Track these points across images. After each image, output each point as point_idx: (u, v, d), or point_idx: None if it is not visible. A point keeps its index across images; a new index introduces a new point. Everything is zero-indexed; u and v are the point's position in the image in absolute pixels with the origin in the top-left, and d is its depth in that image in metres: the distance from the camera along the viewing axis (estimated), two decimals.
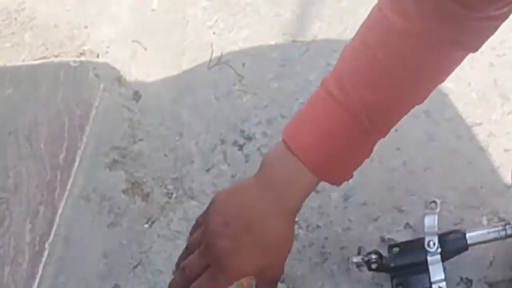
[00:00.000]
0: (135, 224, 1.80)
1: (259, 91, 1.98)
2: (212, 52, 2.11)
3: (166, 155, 1.92)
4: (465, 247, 1.48)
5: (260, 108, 1.96)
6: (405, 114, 1.08)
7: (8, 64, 2.24)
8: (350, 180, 1.73)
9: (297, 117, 1.08)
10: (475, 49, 1.01)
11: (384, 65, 0.97)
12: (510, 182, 1.52)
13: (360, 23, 1.95)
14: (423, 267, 1.50)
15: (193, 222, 1.76)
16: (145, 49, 2.19)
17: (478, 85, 1.83)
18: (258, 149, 1.87)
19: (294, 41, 2.07)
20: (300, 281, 1.63)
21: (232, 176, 1.85)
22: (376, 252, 1.53)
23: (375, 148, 1.79)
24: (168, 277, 1.61)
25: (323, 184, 1.72)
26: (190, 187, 1.84)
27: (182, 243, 1.73)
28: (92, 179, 1.90)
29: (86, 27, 2.30)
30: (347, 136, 1.01)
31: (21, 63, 2.25)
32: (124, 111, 2.04)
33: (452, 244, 1.50)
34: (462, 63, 1.85)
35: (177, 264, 1.30)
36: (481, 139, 1.75)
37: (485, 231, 1.50)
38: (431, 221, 1.50)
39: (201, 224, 1.17)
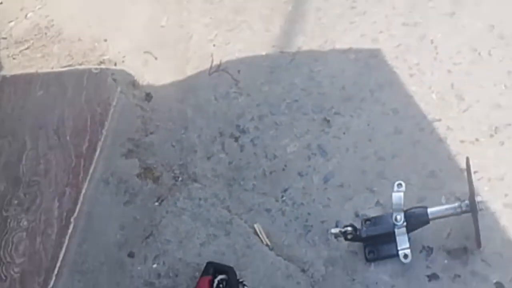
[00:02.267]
0: (147, 202, 1.87)
1: (252, 93, 2.03)
2: (212, 61, 2.16)
3: (173, 146, 1.99)
4: (427, 221, 1.54)
5: (253, 106, 2.01)
6: None
7: (39, 71, 2.31)
8: (330, 165, 1.81)
9: None
10: None
11: None
12: (465, 167, 1.57)
13: (337, 37, 2.02)
14: (391, 237, 1.57)
15: (197, 200, 1.84)
16: (156, 58, 2.25)
17: (438, 88, 1.88)
18: (251, 140, 1.93)
19: (281, 52, 2.11)
20: (287, 249, 1.69)
21: (229, 163, 1.90)
22: (352, 225, 1.58)
23: (350, 139, 1.84)
24: (175, 246, 1.74)
25: (306, 169, 1.79)
26: (193, 172, 1.91)
27: (187, 218, 1.82)
28: (110, 165, 1.97)
29: (105, 40, 2.36)
30: None
31: (50, 70, 2.31)
32: (137, 109, 2.11)
33: (416, 219, 1.56)
34: (424, 69, 1.89)
35: None
36: (441, 132, 1.79)
37: (443, 208, 1.56)
38: (398, 200, 1.56)
39: None
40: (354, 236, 1.60)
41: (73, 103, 2.17)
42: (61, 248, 1.82)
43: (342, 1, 2.23)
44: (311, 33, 2.18)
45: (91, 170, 1.97)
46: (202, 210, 1.86)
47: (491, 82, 1.88)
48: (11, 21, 2.60)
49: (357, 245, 1.65)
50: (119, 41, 2.41)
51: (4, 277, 1.80)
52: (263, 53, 2.18)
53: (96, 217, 1.92)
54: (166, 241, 1.81)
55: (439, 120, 1.83)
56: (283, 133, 1.97)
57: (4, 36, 2.55)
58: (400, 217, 1.56)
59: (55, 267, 1.79)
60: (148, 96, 2.20)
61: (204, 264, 1.70)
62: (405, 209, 1.58)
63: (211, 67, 2.19)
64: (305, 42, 2.17)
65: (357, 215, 1.72)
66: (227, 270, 1.67)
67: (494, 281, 1.52)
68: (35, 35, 2.50)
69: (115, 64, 2.32)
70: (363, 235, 1.61)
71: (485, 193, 1.66)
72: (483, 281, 1.53)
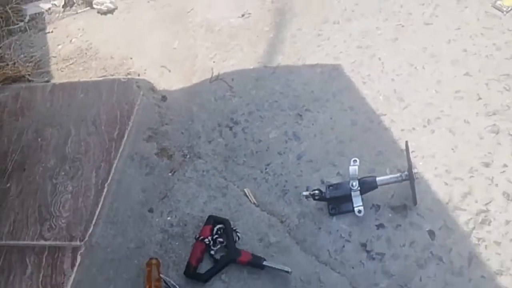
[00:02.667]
0: (162, 173, 2.01)
1: (242, 95, 2.21)
2: (212, 73, 2.34)
3: (182, 133, 2.14)
4: (376, 186, 1.71)
5: (243, 105, 2.17)
6: None
7: (81, 80, 2.45)
8: (302, 147, 1.95)
9: None
10: None
11: None
12: (405, 148, 1.73)
13: (308, 56, 2.20)
14: (349, 198, 1.73)
15: (200, 172, 1.97)
16: (169, 71, 2.43)
17: (384, 92, 2.05)
18: (242, 129, 2.09)
19: (265, 67, 2.30)
20: (269, 206, 1.85)
21: (225, 145, 2.05)
22: (318, 189, 1.75)
23: (317, 128, 1.98)
24: (184, 204, 1.88)
25: (284, 149, 1.95)
26: (198, 151, 2.06)
27: (193, 184, 1.96)
28: (135, 146, 2.10)
29: (131, 58, 2.51)
30: None
31: (89, 79, 2.45)
32: (155, 107, 2.26)
33: (367, 185, 1.72)
34: (374, 79, 2.07)
35: None
36: (386, 123, 1.96)
37: (388, 177, 1.73)
38: (353, 171, 1.72)
39: None
40: (320, 197, 1.75)
41: (106, 103, 2.28)
42: (97, 205, 1.93)
43: (311, 30, 2.38)
44: (287, 53, 2.32)
45: (120, 150, 2.08)
46: (205, 178, 1.97)
47: (424, 88, 2.03)
48: (59, 45, 2.72)
49: (323, 204, 1.80)
50: (141, 59, 2.53)
51: (54, 226, 1.88)
52: (251, 67, 2.33)
53: (124, 183, 2.00)
54: (177, 200, 1.92)
55: (385, 114, 1.99)
56: (266, 124, 2.09)
57: (54, 55, 2.64)
58: (355, 183, 1.71)
59: (93, 219, 1.89)
60: (164, 98, 2.32)
61: (206, 217, 1.83)
62: (359, 177, 1.72)
63: (211, 77, 2.33)
64: (283, 59, 2.31)
65: (322, 182, 1.86)
66: (223, 221, 1.80)
67: (427, 229, 1.68)
68: (78, 54, 2.64)
69: (139, 75, 2.44)
70: (327, 196, 1.75)
71: (419, 167, 1.82)
72: (418, 229, 1.68)
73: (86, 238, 1.85)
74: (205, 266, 1.73)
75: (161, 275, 1.69)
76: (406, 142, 1.75)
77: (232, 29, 2.53)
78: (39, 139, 2.22)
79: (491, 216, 1.68)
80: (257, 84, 2.24)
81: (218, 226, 1.79)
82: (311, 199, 1.76)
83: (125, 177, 2.02)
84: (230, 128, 2.12)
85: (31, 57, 2.67)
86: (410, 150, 1.75)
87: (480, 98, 1.96)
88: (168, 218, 1.89)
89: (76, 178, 2.04)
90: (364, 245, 1.69)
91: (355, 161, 1.76)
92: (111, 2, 2.83)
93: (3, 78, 2.49)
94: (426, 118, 1.95)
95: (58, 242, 1.85)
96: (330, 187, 1.78)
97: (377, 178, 1.72)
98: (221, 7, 2.67)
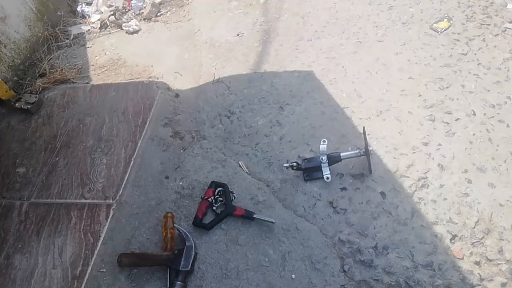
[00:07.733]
0: (176, 150, 1.99)
1: (237, 93, 2.21)
2: (214, 76, 2.33)
3: (191, 121, 2.12)
4: (340, 160, 1.72)
5: (238, 101, 2.17)
6: None
7: (113, 82, 2.42)
8: (283, 131, 1.92)
9: None
10: None
11: None
12: (362, 131, 1.74)
13: (287, 64, 2.19)
14: (319, 168, 1.73)
15: (205, 149, 1.90)
16: (181, 75, 2.41)
17: (346, 91, 2.05)
18: (237, 118, 2.07)
19: (255, 72, 2.30)
20: (258, 175, 1.83)
21: (224, 130, 2.03)
22: (296, 162, 1.75)
23: (295, 117, 1.96)
24: (192, 173, 1.82)
25: (269, 133, 1.92)
26: (203, 134, 2.04)
27: (199, 158, 1.92)
28: (155, 130, 2.08)
29: (152, 66, 2.51)
30: None
31: (119, 82, 2.42)
32: (170, 102, 2.24)
33: (333, 159, 1.72)
34: (338, 81, 2.05)
35: None
36: (348, 114, 1.96)
37: (350, 153, 1.74)
38: (323, 149, 1.73)
39: None
40: (298, 168, 1.76)
41: (133, 98, 2.25)
42: (126, 173, 1.91)
43: (290, 46, 2.38)
44: (272, 62, 2.32)
45: (143, 133, 2.05)
46: (208, 154, 1.95)
47: (377, 88, 2.04)
48: (96, 56, 2.71)
49: (299, 173, 1.80)
50: (160, 67, 2.50)
51: (92, 189, 1.87)
52: (244, 73, 2.32)
53: (146, 157, 1.97)
54: (187, 170, 1.90)
55: (347, 107, 1.99)
56: (255, 114, 2.07)
57: (92, 64, 2.64)
58: (324, 157, 1.72)
59: (122, 183, 1.87)
60: (177, 95, 2.29)
61: (210, 182, 1.82)
62: (327, 153, 1.73)
63: (213, 80, 2.32)
64: (269, 67, 2.30)
65: (299, 157, 1.86)
66: (223, 185, 1.79)
67: (379, 191, 1.68)
68: (111, 63, 2.62)
69: (157, 78, 2.41)
70: (303, 167, 1.76)
71: (373, 145, 1.83)
72: (373, 191, 1.69)
73: (117, 198, 1.83)
74: (208, 218, 1.71)
75: (174, 224, 1.66)
76: (364, 127, 1.76)
77: (229, 45, 2.52)
78: (81, 125, 2.19)
79: (428, 182, 1.68)
80: (249, 85, 2.23)
81: (219, 188, 1.77)
82: (290, 169, 1.76)
83: (147, 153, 1.98)
84: (228, 117, 2.10)
85: (75, 65, 2.64)
86: (366, 133, 1.76)
87: (420, 95, 1.97)
88: (180, 183, 1.85)
89: (109, 154, 2.01)
90: (331, 203, 1.68)
91: (324, 141, 1.75)
92: (136, 25, 2.81)
93: (53, 80, 2.46)
94: (379, 110, 1.95)
95: (95, 201, 1.84)
96: (305, 160, 1.78)
97: (341, 154, 1.72)
98: (221, 28, 2.66)
